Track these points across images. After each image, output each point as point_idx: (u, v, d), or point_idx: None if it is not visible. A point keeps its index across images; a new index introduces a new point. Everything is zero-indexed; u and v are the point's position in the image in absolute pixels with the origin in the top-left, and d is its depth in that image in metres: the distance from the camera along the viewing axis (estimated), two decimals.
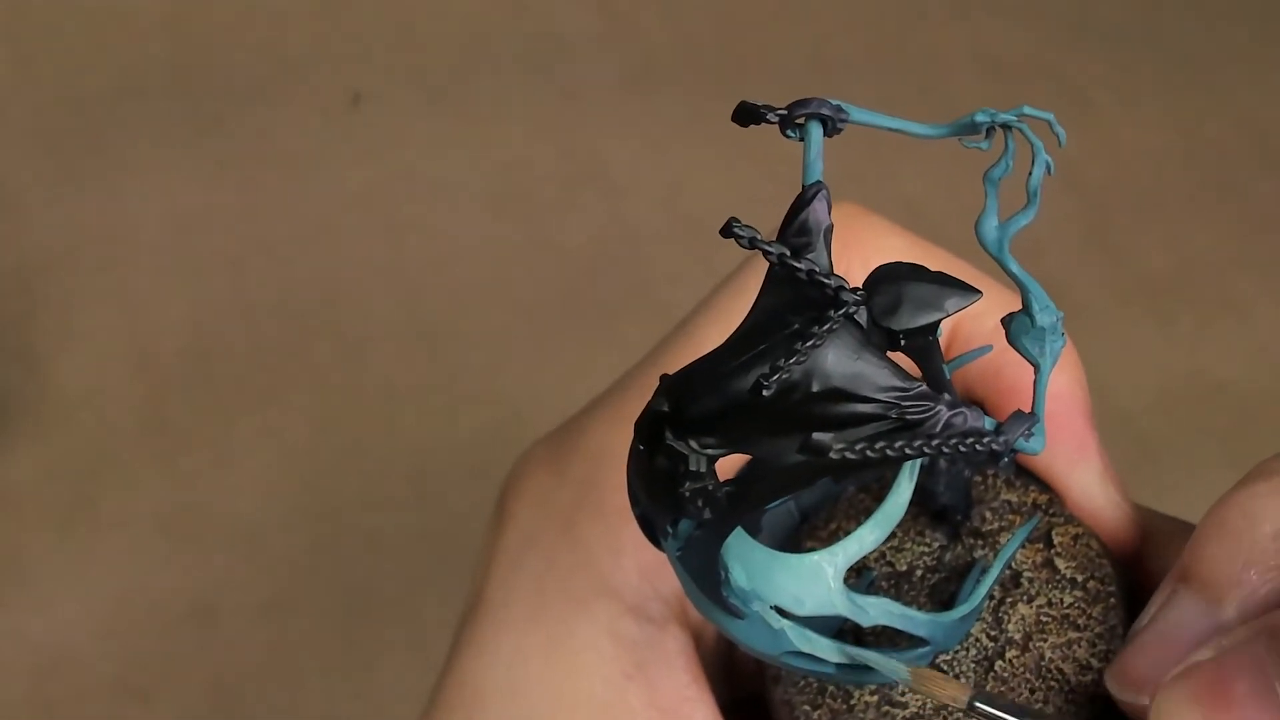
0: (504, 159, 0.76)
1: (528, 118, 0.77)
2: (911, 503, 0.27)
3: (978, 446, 0.21)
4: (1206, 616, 0.25)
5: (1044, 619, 0.28)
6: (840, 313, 0.20)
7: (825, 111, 0.22)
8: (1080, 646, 0.28)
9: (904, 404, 0.21)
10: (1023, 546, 0.28)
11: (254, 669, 0.60)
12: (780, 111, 0.22)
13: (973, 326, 0.31)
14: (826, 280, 0.21)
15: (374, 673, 0.60)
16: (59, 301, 0.71)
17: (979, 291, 0.21)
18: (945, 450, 0.21)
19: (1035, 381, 0.23)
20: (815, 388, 0.21)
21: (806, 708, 0.28)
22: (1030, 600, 0.28)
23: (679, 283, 0.69)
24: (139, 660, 0.60)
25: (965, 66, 0.79)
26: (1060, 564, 0.28)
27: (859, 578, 0.28)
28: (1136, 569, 0.31)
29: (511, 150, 0.76)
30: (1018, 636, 0.28)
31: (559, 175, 0.75)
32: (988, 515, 0.29)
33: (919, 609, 0.27)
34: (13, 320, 0.70)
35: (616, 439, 0.30)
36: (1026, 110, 0.23)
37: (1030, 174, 0.24)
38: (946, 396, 0.21)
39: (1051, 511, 0.29)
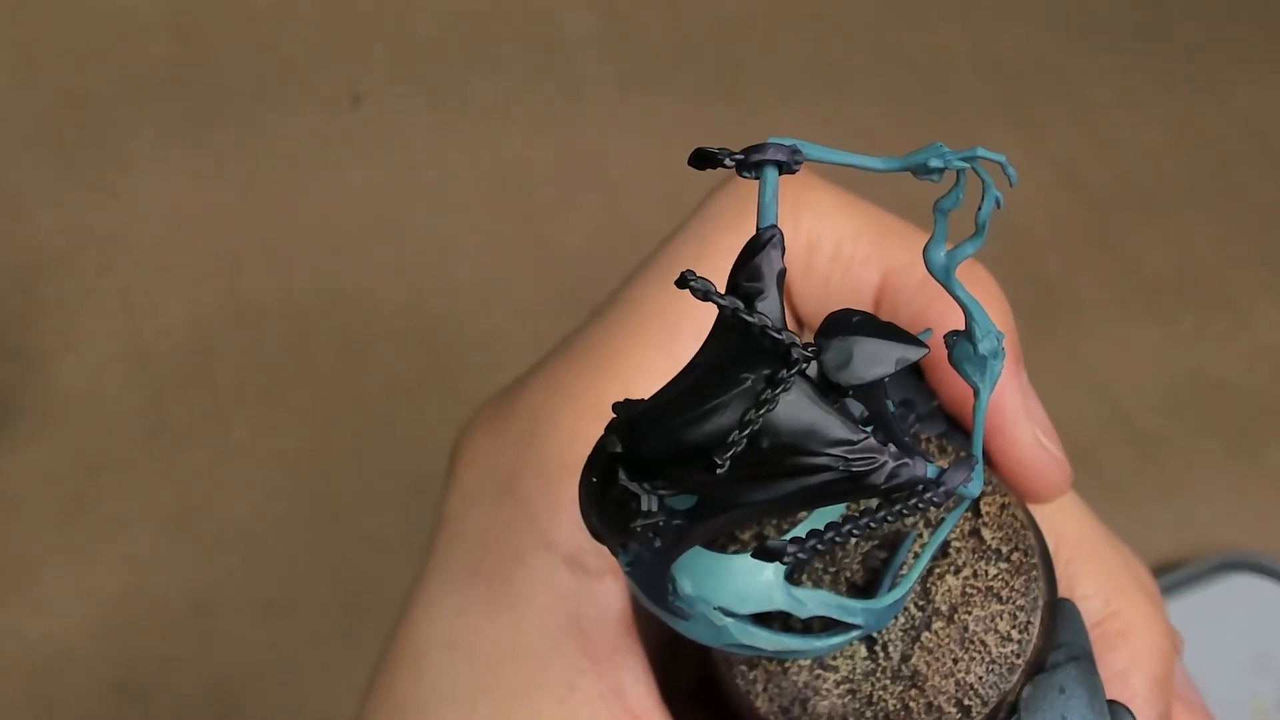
0: (504, 159, 0.76)
1: (528, 118, 0.77)
2: None
3: (919, 503, 0.22)
4: None
5: (969, 590, 0.29)
6: (792, 372, 0.21)
7: (780, 157, 0.23)
8: (1003, 619, 0.29)
9: (850, 457, 0.22)
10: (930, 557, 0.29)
11: (254, 669, 0.60)
12: (737, 156, 0.23)
13: (900, 280, 0.32)
14: (779, 335, 0.22)
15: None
16: (59, 301, 0.71)
17: (926, 347, 0.23)
18: (889, 520, 0.22)
19: (975, 409, 0.25)
20: (765, 444, 0.22)
21: (743, 667, 0.29)
22: (957, 572, 0.29)
23: None
24: (139, 660, 0.60)
25: (965, 66, 0.79)
26: (986, 534, 0.30)
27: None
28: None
29: (511, 150, 0.76)
30: (944, 608, 0.29)
31: (559, 175, 0.75)
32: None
33: (851, 576, 0.29)
34: (13, 320, 0.70)
35: (554, 398, 0.31)
36: (980, 153, 0.24)
37: (980, 208, 0.24)
38: (891, 447, 0.22)
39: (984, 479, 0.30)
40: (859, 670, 0.29)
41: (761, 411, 0.21)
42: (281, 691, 0.59)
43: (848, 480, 0.22)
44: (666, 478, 0.22)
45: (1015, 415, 0.31)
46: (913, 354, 0.22)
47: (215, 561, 0.63)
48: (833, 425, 0.22)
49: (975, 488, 0.23)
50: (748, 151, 0.23)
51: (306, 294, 0.71)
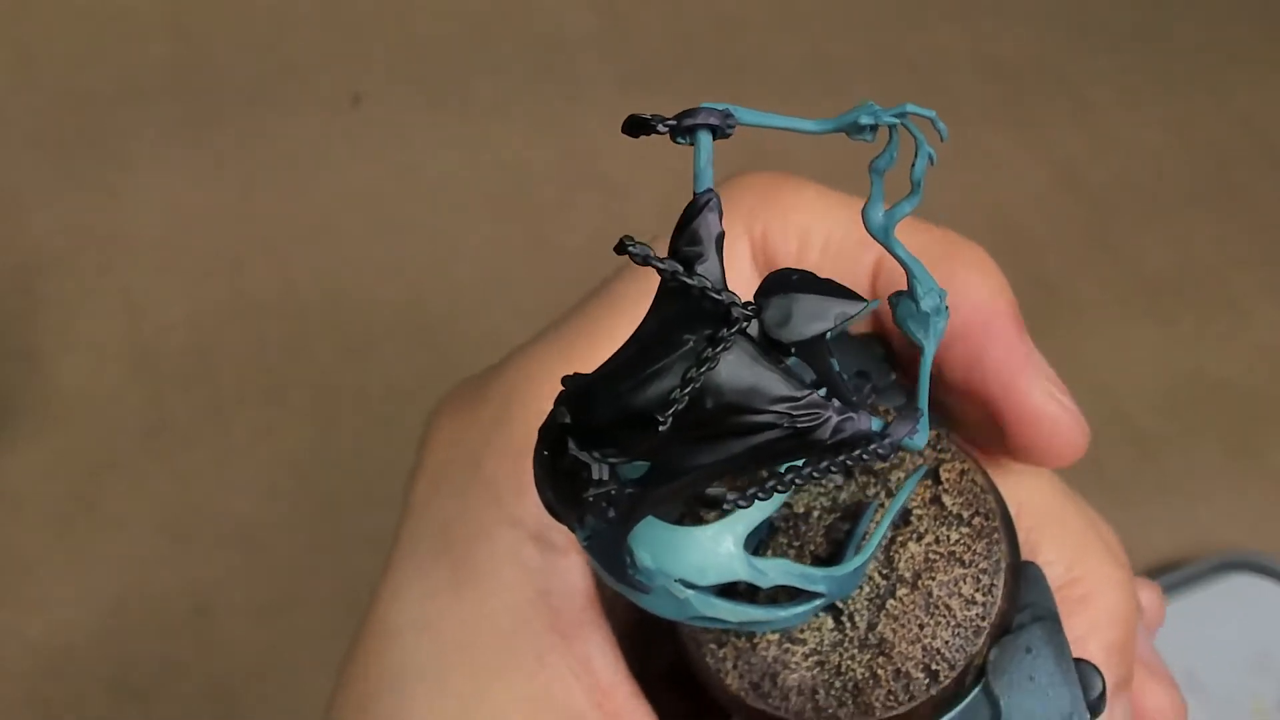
0: (504, 159, 0.76)
1: (528, 118, 0.77)
2: None
3: (864, 455, 0.22)
4: None
5: (932, 556, 0.29)
6: (733, 331, 0.22)
7: (713, 121, 0.23)
8: (966, 582, 0.29)
9: (795, 413, 0.22)
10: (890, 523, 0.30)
11: (254, 669, 0.60)
12: (669, 121, 0.23)
13: (843, 236, 0.32)
14: (719, 296, 0.22)
15: None
16: (59, 301, 0.71)
17: (865, 300, 0.23)
18: (833, 469, 0.22)
19: (920, 364, 0.25)
20: (709, 404, 0.22)
21: (713, 645, 0.30)
22: (920, 539, 0.29)
23: None
24: (138, 660, 0.60)
25: (965, 66, 0.79)
26: (947, 500, 0.30)
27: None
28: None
29: (511, 150, 0.76)
30: (908, 575, 0.29)
31: (559, 175, 0.75)
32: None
33: (815, 549, 0.29)
34: (13, 320, 0.70)
35: (526, 382, 0.31)
36: (909, 108, 0.24)
37: (913, 165, 0.25)
38: (835, 402, 0.22)
39: (939, 447, 0.31)
40: (827, 641, 0.29)
41: (702, 370, 0.21)
42: (281, 692, 0.59)
43: (792, 437, 0.22)
44: (615, 444, 0.23)
45: (1022, 368, 0.30)
46: (852, 309, 0.22)
47: (215, 561, 0.63)
48: (775, 382, 0.22)
49: (921, 439, 0.23)
50: (680, 116, 0.23)
51: (306, 294, 0.71)
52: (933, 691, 0.29)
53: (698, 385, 0.22)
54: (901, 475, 0.30)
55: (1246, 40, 0.81)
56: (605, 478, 0.23)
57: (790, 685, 0.29)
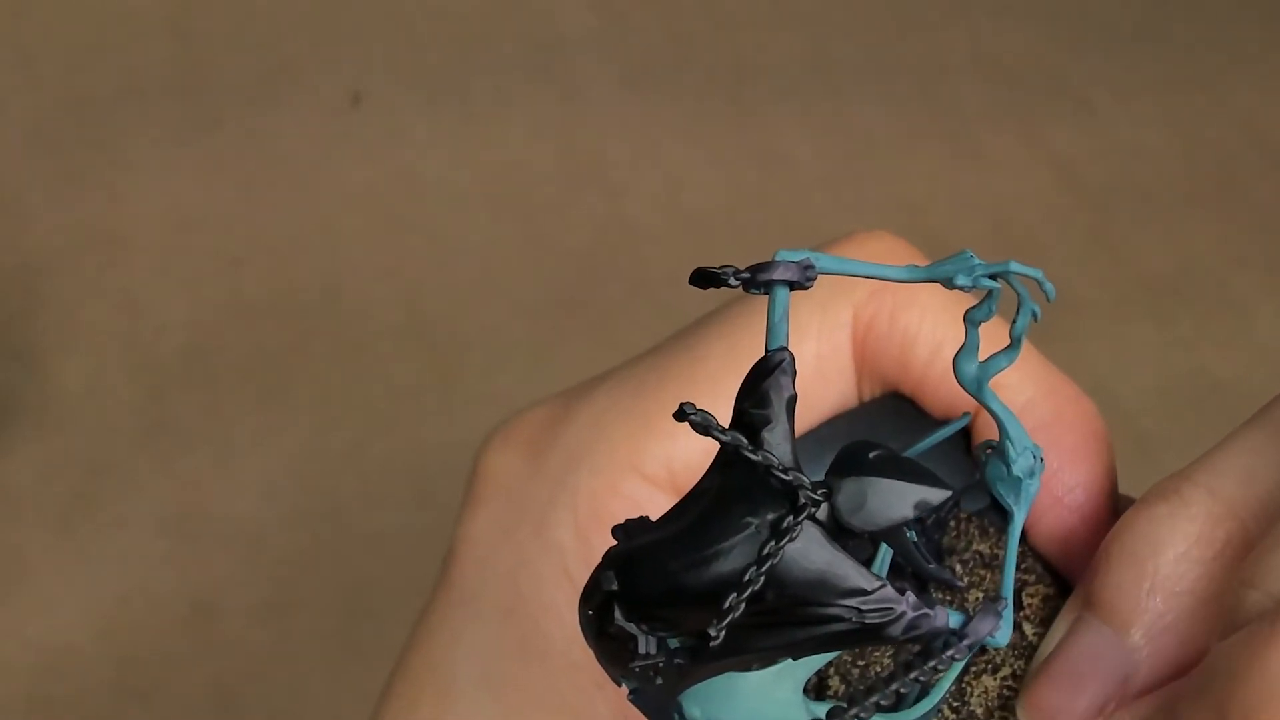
0: (504, 159, 0.76)
1: (528, 118, 0.77)
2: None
3: (943, 658, 0.20)
4: (1113, 644, 0.24)
5: (1006, 693, 0.27)
6: (800, 518, 0.20)
7: (790, 276, 0.21)
8: None
9: (864, 609, 0.20)
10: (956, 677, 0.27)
11: (254, 669, 0.60)
12: (743, 275, 0.21)
13: (952, 350, 0.30)
14: (785, 477, 0.20)
15: (374, 673, 0.60)
16: (59, 301, 0.71)
17: (949, 488, 0.20)
18: (921, 678, 0.21)
19: (1008, 537, 0.23)
20: (770, 596, 0.20)
21: None
22: (995, 671, 0.27)
23: (678, 283, 0.68)
24: (139, 660, 0.60)
25: (965, 66, 0.79)
26: (1028, 629, 0.27)
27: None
28: None
29: (511, 150, 0.76)
30: (979, 711, 0.27)
31: (559, 175, 0.75)
32: (958, 569, 0.28)
33: (883, 675, 0.26)
34: (13, 320, 0.70)
35: (597, 443, 0.30)
36: (1013, 267, 0.21)
37: (1015, 321, 0.22)
38: (910, 597, 0.20)
39: (1023, 567, 0.28)
40: None
41: (763, 568, 0.20)
42: (281, 692, 0.59)
43: (860, 631, 0.20)
44: (664, 620, 0.21)
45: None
46: (935, 496, 0.20)
47: (215, 561, 0.63)
48: (846, 574, 0.20)
49: (1004, 637, 0.21)
50: (754, 270, 0.21)
51: (306, 294, 0.71)
52: None
53: (758, 587, 0.20)
54: (979, 595, 0.28)
55: (1246, 40, 0.81)
56: (652, 651, 0.21)
57: None
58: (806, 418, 0.29)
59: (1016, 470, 0.22)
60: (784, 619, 0.20)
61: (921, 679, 0.21)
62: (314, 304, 0.70)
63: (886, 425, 0.29)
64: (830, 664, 0.28)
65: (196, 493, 0.64)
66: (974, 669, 0.27)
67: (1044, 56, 0.80)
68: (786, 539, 0.20)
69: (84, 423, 0.67)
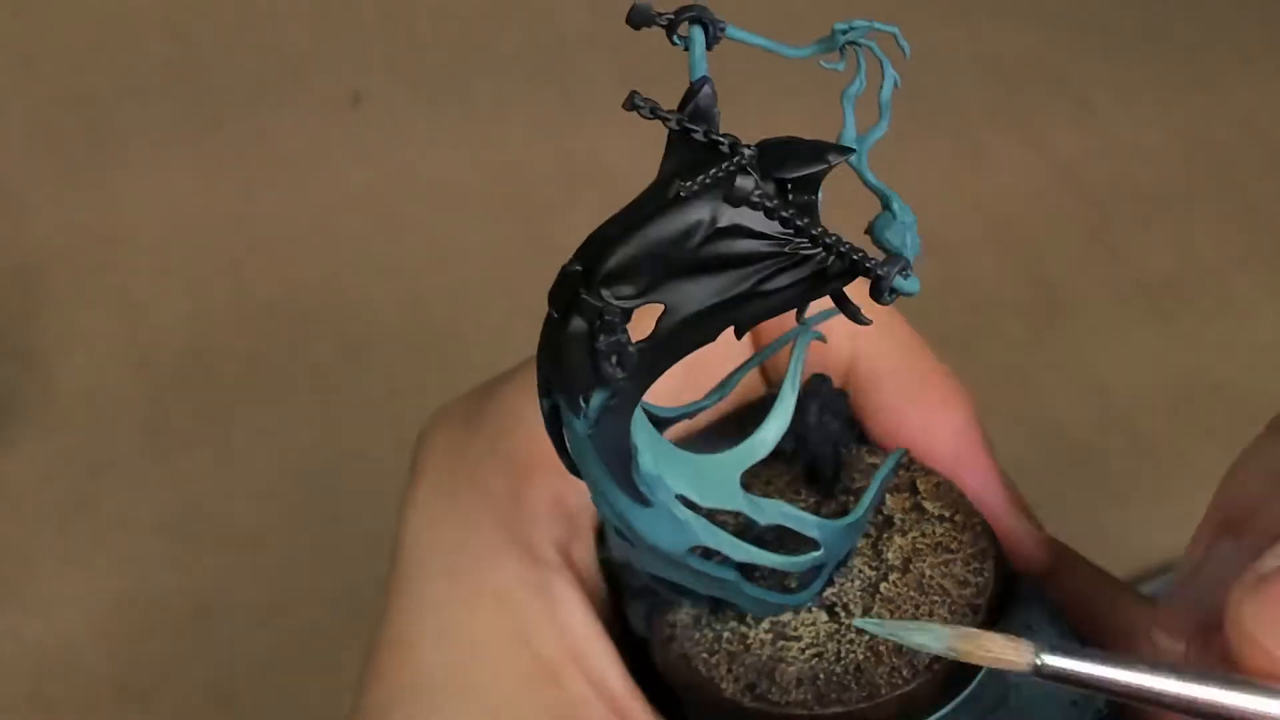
0: (504, 159, 0.76)
1: (528, 118, 0.77)
2: (784, 460, 0.30)
3: (864, 266, 0.23)
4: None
5: (919, 546, 0.30)
6: (741, 158, 0.23)
7: (705, 17, 0.25)
8: (956, 564, 0.30)
9: (796, 239, 0.23)
10: (891, 495, 0.31)
11: (254, 669, 0.60)
12: (669, 16, 0.25)
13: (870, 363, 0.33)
14: (722, 139, 0.23)
15: None
16: (59, 301, 0.71)
17: (853, 149, 0.24)
18: (841, 249, 0.23)
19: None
20: (722, 222, 0.23)
21: (704, 655, 0.30)
22: (905, 534, 0.30)
23: None
24: (139, 661, 0.60)
25: (965, 67, 0.79)
26: (927, 505, 0.31)
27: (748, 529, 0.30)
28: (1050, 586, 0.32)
29: (511, 150, 0.76)
30: (897, 562, 0.30)
31: (559, 175, 0.75)
32: (855, 475, 0.32)
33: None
34: (13, 320, 0.70)
35: (526, 400, 0.31)
36: (875, 26, 0.25)
37: (880, 89, 0.26)
38: (833, 236, 0.23)
39: (913, 467, 0.32)
40: (822, 634, 0.29)
41: (718, 171, 0.23)
42: (281, 692, 0.59)
43: (794, 264, 0.23)
44: (631, 281, 0.24)
45: (1004, 510, 0.32)
46: (841, 155, 0.24)
47: (215, 562, 0.63)
48: (776, 211, 0.23)
49: (914, 285, 0.24)
50: (678, 11, 0.25)
51: (307, 294, 0.71)
52: (936, 666, 0.29)
53: (711, 184, 0.23)
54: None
55: (1246, 40, 0.81)
56: (617, 319, 0.24)
57: (789, 678, 0.29)
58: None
59: (902, 217, 0.25)
60: (728, 254, 0.23)
61: (850, 263, 0.23)
62: (314, 304, 0.70)
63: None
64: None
65: (196, 493, 0.64)
66: (885, 534, 0.30)
67: (1044, 56, 0.80)
68: (733, 163, 0.23)
69: (84, 423, 0.67)
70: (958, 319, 0.68)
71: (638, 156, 0.75)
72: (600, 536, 0.32)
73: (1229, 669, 0.24)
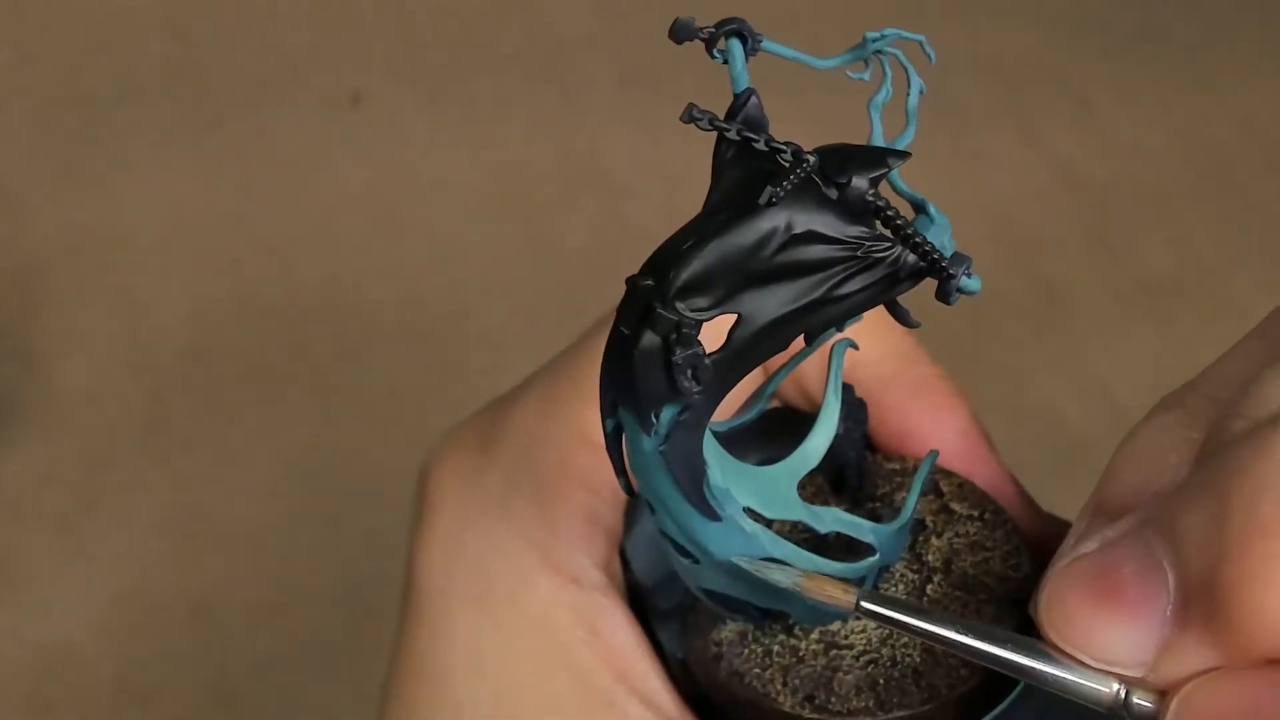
0: (504, 159, 0.76)
1: (528, 118, 0.77)
2: (812, 472, 0.30)
3: (939, 264, 0.23)
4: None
5: (956, 546, 0.31)
6: (805, 165, 0.23)
7: (744, 30, 0.25)
8: (995, 561, 0.30)
9: (868, 243, 0.23)
10: (917, 499, 0.31)
11: (254, 669, 0.60)
12: (709, 29, 0.24)
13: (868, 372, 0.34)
14: (783, 147, 0.23)
15: (374, 673, 0.60)
16: (59, 301, 0.71)
17: (909, 153, 0.25)
18: (926, 247, 0.23)
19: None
20: (797, 229, 0.23)
21: (757, 670, 0.30)
22: (940, 535, 0.31)
23: None
24: (139, 661, 0.60)
25: (965, 67, 0.79)
26: (955, 506, 0.31)
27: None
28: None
29: (511, 150, 0.76)
30: (938, 564, 0.30)
31: (559, 175, 0.75)
32: (879, 482, 0.32)
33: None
34: (13, 320, 0.70)
35: (546, 421, 0.31)
36: (903, 34, 0.26)
37: (908, 97, 0.26)
38: (921, 235, 0.23)
39: (933, 471, 0.32)
40: (874, 640, 0.29)
41: (791, 178, 0.23)
42: (281, 691, 0.59)
43: (869, 266, 0.23)
44: (705, 292, 0.23)
45: (1015, 506, 0.33)
46: (899, 160, 0.24)
47: (215, 561, 0.63)
48: (848, 217, 0.23)
49: (976, 284, 0.24)
50: (719, 25, 0.25)
51: (306, 294, 0.71)
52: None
53: (789, 190, 0.23)
54: (904, 494, 0.31)
55: (1246, 40, 0.81)
56: (694, 332, 0.23)
57: (848, 687, 0.29)
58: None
59: (939, 220, 0.25)
60: (802, 260, 0.23)
61: (921, 263, 0.23)
62: (314, 304, 0.71)
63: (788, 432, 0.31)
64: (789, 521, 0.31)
65: (196, 493, 0.64)
66: (920, 538, 0.31)
67: (1044, 56, 0.80)
68: (800, 170, 0.23)
69: (84, 423, 0.67)
70: (958, 319, 0.68)
71: (637, 157, 0.75)
72: (624, 559, 0.32)
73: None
